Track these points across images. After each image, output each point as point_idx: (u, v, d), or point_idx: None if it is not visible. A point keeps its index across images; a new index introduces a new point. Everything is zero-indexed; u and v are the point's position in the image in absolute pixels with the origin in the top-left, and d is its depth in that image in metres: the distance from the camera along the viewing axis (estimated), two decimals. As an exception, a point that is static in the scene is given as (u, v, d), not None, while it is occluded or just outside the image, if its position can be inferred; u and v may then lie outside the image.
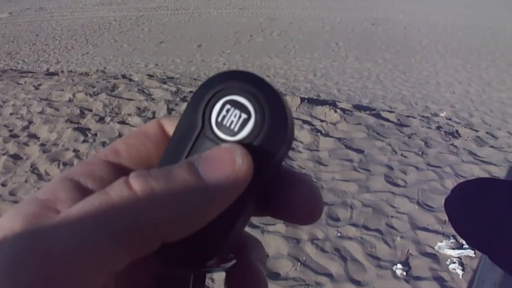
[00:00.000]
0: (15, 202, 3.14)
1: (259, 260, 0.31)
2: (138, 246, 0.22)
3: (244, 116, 0.27)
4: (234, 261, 0.29)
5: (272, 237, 2.73)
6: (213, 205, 0.24)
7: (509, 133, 4.36)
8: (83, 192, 0.26)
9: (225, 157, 0.25)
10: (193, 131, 0.27)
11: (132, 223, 0.22)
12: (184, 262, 0.27)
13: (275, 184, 0.28)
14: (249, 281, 0.30)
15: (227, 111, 0.27)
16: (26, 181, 3.41)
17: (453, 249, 2.61)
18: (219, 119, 0.27)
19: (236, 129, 0.27)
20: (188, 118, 0.28)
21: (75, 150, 3.84)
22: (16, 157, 3.79)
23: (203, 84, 0.28)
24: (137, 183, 0.23)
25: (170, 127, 0.29)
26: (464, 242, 2.63)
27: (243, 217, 0.27)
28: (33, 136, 4.16)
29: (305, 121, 4.34)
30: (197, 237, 0.25)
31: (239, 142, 0.26)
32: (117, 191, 0.23)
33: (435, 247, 2.66)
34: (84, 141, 4.00)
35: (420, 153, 3.79)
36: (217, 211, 0.24)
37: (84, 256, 0.20)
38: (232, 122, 0.27)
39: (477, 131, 4.41)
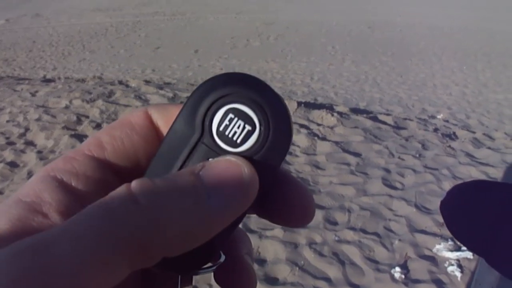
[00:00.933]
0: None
1: (247, 253, 0.31)
2: (140, 260, 0.22)
3: (248, 127, 0.26)
4: (223, 259, 0.29)
5: (270, 242, 2.72)
6: (219, 222, 0.24)
7: (506, 134, 4.37)
8: (67, 191, 0.25)
9: (233, 174, 0.24)
10: (191, 137, 0.26)
11: (136, 238, 0.21)
12: (178, 267, 0.27)
13: (271, 189, 0.27)
14: (239, 274, 0.30)
15: (230, 120, 0.26)
16: (23, 188, 3.40)
17: (452, 251, 2.60)
18: (221, 128, 0.26)
19: (239, 140, 0.26)
20: (186, 122, 0.26)
21: (72, 157, 3.83)
22: (13, 164, 3.78)
23: (204, 85, 0.26)
24: (141, 194, 0.22)
25: (159, 118, 0.29)
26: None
27: (239, 223, 0.27)
28: (30, 143, 4.15)
29: (302, 125, 4.34)
30: None
31: (242, 154, 0.26)
32: (119, 202, 0.22)
33: (433, 250, 2.66)
34: (81, 148, 3.99)
35: (418, 155, 3.79)
36: (222, 227, 0.24)
37: (87, 273, 0.19)
38: (235, 133, 0.26)
39: (474, 132, 4.41)
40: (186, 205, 0.22)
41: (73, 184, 0.26)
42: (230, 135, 0.26)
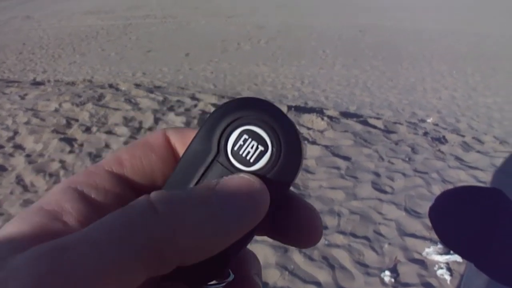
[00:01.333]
0: (1, 214, 3.10)
1: (256, 274, 0.32)
2: (156, 268, 0.23)
3: (261, 148, 0.28)
4: (232, 278, 0.30)
5: (259, 246, 2.72)
6: (231, 234, 0.25)
7: (495, 138, 4.40)
8: (87, 202, 0.27)
9: (245, 190, 0.26)
10: (207, 155, 0.28)
11: (153, 245, 0.22)
12: (187, 279, 0.28)
13: (280, 208, 0.29)
14: None
15: (244, 141, 0.28)
16: (11, 193, 3.37)
17: (441, 254, 2.61)
18: (236, 148, 0.28)
19: (252, 160, 0.28)
20: (203, 142, 0.28)
21: (61, 161, 3.81)
22: (1, 168, 3.74)
23: (221, 109, 0.28)
24: (159, 203, 0.23)
25: (177, 140, 0.30)
26: (451, 248, 2.63)
27: (249, 240, 0.28)
28: (18, 147, 4.11)
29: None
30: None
31: (254, 172, 0.27)
32: (139, 211, 0.23)
33: (422, 253, 2.67)
34: (70, 152, 3.96)
35: (407, 159, 3.80)
36: (234, 239, 0.25)
37: (105, 278, 0.20)
38: (248, 152, 0.28)
39: (463, 136, 4.44)
40: (201, 215, 0.24)
41: (92, 196, 0.27)
42: (244, 155, 0.28)
